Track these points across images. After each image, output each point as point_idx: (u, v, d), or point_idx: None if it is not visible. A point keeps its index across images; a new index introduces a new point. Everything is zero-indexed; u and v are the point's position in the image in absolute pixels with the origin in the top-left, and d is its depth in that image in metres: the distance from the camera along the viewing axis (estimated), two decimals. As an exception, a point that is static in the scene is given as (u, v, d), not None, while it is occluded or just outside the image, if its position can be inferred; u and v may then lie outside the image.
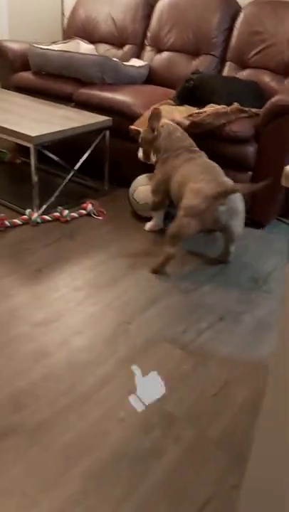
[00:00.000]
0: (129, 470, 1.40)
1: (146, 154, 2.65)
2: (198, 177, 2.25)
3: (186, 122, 2.65)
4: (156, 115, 2.56)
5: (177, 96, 2.88)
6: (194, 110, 2.75)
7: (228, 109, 2.63)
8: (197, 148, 2.51)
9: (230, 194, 2.15)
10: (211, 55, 3.23)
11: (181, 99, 2.86)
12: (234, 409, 1.61)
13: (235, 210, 2.21)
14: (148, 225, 2.69)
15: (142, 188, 2.72)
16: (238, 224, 2.25)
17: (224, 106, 2.65)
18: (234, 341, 1.92)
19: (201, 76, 2.85)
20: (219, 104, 2.69)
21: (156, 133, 2.56)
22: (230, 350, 1.87)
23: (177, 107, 2.84)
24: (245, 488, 1.10)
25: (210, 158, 2.67)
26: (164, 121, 2.58)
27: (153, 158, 2.62)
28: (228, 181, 2.24)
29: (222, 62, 3.21)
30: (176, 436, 1.51)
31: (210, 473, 1.41)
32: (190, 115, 2.67)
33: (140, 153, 2.71)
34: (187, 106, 2.81)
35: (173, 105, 2.87)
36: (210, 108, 2.67)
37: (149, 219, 2.72)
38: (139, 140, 2.67)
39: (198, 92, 2.80)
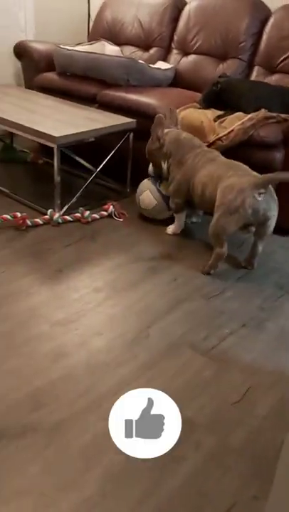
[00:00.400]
0: (148, 474, 1.37)
1: (157, 165, 2.65)
2: (226, 174, 2.25)
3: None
4: (158, 123, 2.58)
5: (203, 99, 2.86)
6: (220, 113, 2.72)
7: (255, 119, 2.60)
8: (209, 148, 2.54)
9: (265, 184, 2.13)
10: (238, 59, 3.20)
11: (207, 103, 2.83)
12: (257, 418, 1.58)
13: (272, 199, 2.19)
14: (170, 229, 2.67)
15: (145, 193, 2.72)
16: (275, 214, 2.22)
17: (251, 116, 2.61)
18: (257, 348, 1.88)
19: (228, 80, 2.82)
20: (246, 109, 2.65)
21: (161, 141, 2.57)
22: (253, 357, 1.83)
23: (203, 110, 2.81)
24: (270, 501, 1.06)
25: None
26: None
27: (164, 166, 2.60)
28: (258, 175, 2.23)
29: (250, 66, 3.18)
30: (197, 443, 1.47)
31: (231, 483, 1.37)
32: (219, 139, 2.63)
33: (150, 168, 2.72)
34: (213, 109, 2.79)
35: (198, 108, 2.85)
36: (236, 124, 2.62)
37: (166, 221, 2.70)
38: (146, 156, 2.67)
39: (225, 95, 2.77)
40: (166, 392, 1.64)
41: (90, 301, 2.08)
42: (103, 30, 3.83)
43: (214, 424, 1.54)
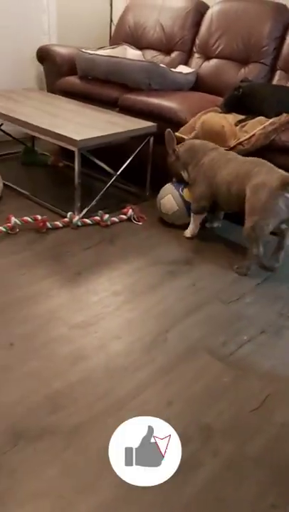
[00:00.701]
0: (166, 480, 1.36)
1: (178, 176, 2.71)
2: (253, 171, 2.29)
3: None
4: (170, 137, 2.66)
5: (225, 104, 2.85)
6: (241, 117, 2.71)
7: (277, 123, 2.59)
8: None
9: None
10: (260, 63, 3.19)
11: (229, 107, 2.83)
12: (275, 426, 1.56)
13: None
14: (189, 232, 2.67)
15: (166, 198, 2.73)
16: None
17: (272, 121, 2.60)
18: (276, 355, 1.87)
19: (250, 84, 2.81)
20: (268, 114, 2.64)
21: (176, 152, 2.64)
22: (272, 365, 1.82)
23: (224, 114, 2.81)
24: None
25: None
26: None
27: (185, 175, 2.65)
28: (282, 171, 2.26)
29: (272, 70, 3.16)
30: (215, 450, 1.46)
31: (248, 490, 1.36)
32: (240, 143, 2.62)
33: (174, 179, 2.76)
34: (235, 114, 2.78)
35: (220, 112, 2.84)
36: (258, 129, 2.60)
37: (185, 226, 2.69)
38: (169, 170, 2.73)
39: (247, 100, 2.76)
40: (183, 397, 1.64)
41: (109, 305, 2.09)
42: (125, 34, 3.85)
43: (232, 430, 1.53)
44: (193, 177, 2.56)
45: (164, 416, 1.56)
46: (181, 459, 1.42)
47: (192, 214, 2.64)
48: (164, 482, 1.36)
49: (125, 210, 2.84)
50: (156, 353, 1.83)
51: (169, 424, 1.53)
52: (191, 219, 2.66)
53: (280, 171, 2.26)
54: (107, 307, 2.07)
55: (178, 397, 1.64)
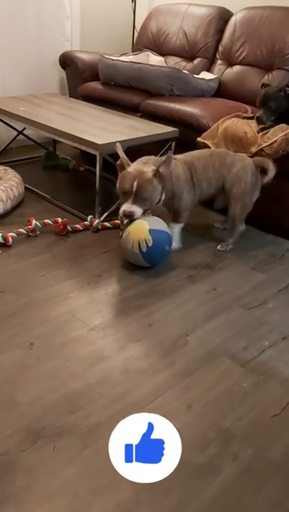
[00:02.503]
0: (183, 483, 1.34)
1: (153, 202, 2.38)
2: (226, 161, 2.52)
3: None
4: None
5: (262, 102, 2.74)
6: (264, 124, 2.69)
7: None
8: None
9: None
10: (284, 69, 3.16)
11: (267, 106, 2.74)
12: (296, 432, 1.53)
13: None
14: (175, 246, 2.54)
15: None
16: None
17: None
18: (297, 362, 1.84)
19: None
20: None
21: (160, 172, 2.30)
22: (293, 371, 1.79)
23: (247, 120, 2.79)
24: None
25: (277, 174, 2.62)
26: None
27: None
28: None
29: (297, 77, 3.14)
30: (234, 455, 1.44)
31: (268, 497, 1.33)
32: (261, 149, 2.60)
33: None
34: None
35: (242, 118, 2.83)
36: (280, 135, 2.58)
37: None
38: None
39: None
40: (203, 401, 1.62)
41: (128, 307, 2.08)
42: (148, 40, 3.87)
43: (252, 436, 1.50)
44: (174, 192, 2.43)
45: (184, 419, 1.54)
46: (199, 462, 1.40)
47: (177, 226, 2.54)
48: (183, 485, 1.33)
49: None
50: (176, 357, 1.81)
51: (187, 427, 1.51)
52: (177, 234, 2.55)
53: (245, 155, 2.58)
54: (127, 310, 2.06)
55: (197, 401, 1.61)
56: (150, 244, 2.25)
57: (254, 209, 2.75)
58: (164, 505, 1.29)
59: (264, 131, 2.67)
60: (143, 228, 2.28)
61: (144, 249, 2.26)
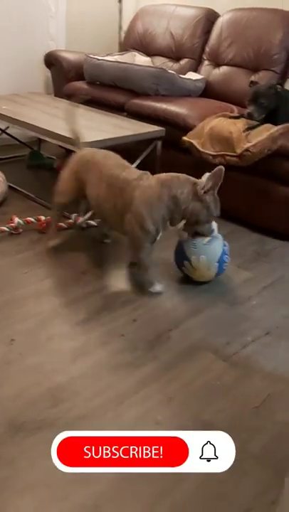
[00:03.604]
0: (164, 476, 1.34)
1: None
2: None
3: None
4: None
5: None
6: (250, 124, 2.71)
7: (283, 129, 2.58)
8: None
9: None
10: (271, 70, 3.19)
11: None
12: (277, 425, 1.54)
13: None
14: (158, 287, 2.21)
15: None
16: None
17: (279, 127, 2.60)
18: (280, 357, 1.84)
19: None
20: (278, 122, 2.63)
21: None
22: (275, 365, 1.79)
23: (234, 120, 2.80)
24: (282, 504, 1.04)
25: (262, 173, 2.65)
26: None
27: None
28: None
29: (283, 78, 3.15)
30: (216, 447, 1.44)
31: (249, 488, 1.34)
32: (247, 150, 2.62)
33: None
34: (243, 118, 2.78)
35: (229, 118, 2.85)
36: (264, 135, 2.60)
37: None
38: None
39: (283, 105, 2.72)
40: (184, 394, 1.62)
41: (113, 303, 2.07)
42: (134, 41, 3.88)
43: (233, 428, 1.50)
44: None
45: (165, 411, 1.54)
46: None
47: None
48: (164, 477, 1.33)
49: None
50: (159, 351, 1.81)
51: (168, 419, 1.51)
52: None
53: None
54: (112, 305, 2.06)
55: (179, 394, 1.62)
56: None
57: (241, 208, 2.78)
58: (144, 494, 1.29)
59: (248, 132, 2.68)
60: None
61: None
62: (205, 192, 2.05)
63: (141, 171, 2.18)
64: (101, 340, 1.84)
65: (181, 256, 2.21)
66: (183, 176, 2.11)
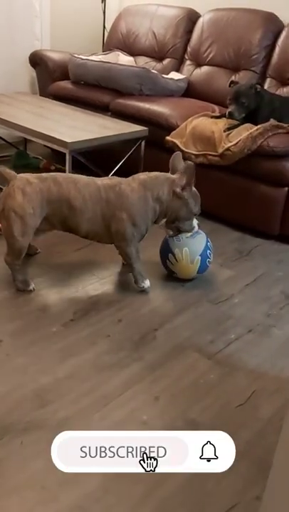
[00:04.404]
0: (150, 473, 1.37)
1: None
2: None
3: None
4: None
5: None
6: (231, 124, 2.74)
7: (262, 127, 2.62)
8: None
9: None
10: (251, 70, 3.23)
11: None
12: (260, 422, 1.58)
13: None
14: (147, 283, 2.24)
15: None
16: None
17: (259, 126, 2.63)
18: (263, 354, 1.88)
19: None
20: (258, 121, 2.67)
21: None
22: (258, 362, 1.83)
23: (215, 120, 2.83)
24: (265, 499, 1.07)
25: (244, 172, 2.68)
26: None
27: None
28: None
29: (262, 78, 3.19)
30: (200, 444, 1.47)
31: (233, 483, 1.37)
32: (227, 149, 2.64)
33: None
34: (224, 118, 2.81)
35: (211, 117, 2.88)
36: (244, 134, 2.63)
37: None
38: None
39: (263, 105, 2.76)
40: (170, 393, 1.65)
41: (99, 304, 2.10)
42: (117, 41, 3.89)
43: (218, 425, 1.53)
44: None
45: (151, 411, 1.57)
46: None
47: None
48: (149, 475, 1.36)
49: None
50: (145, 351, 1.84)
51: (155, 418, 1.54)
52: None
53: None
54: (97, 306, 2.08)
55: (165, 393, 1.65)
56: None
57: (222, 207, 2.81)
58: (131, 494, 1.31)
59: (228, 132, 2.71)
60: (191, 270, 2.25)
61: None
62: (182, 189, 2.09)
63: (109, 177, 2.22)
64: (87, 341, 1.86)
65: (165, 250, 2.26)
66: (161, 175, 2.16)
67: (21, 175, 2.13)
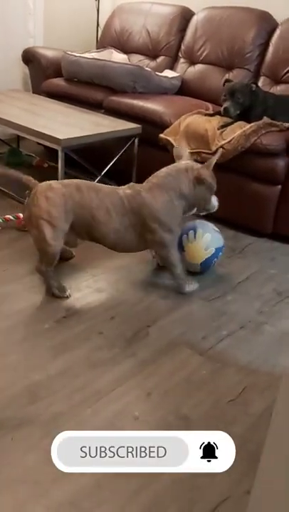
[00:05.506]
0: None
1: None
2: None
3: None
4: None
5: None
6: (225, 121, 2.74)
7: (255, 125, 2.62)
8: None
9: None
10: (245, 69, 3.23)
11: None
12: (252, 417, 1.59)
13: None
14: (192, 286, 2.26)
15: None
16: None
17: (252, 124, 2.64)
18: (254, 350, 1.89)
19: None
20: (251, 119, 2.68)
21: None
22: (250, 359, 1.84)
23: (209, 117, 2.84)
24: (254, 493, 1.08)
25: (237, 170, 2.69)
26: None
27: None
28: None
29: (256, 76, 3.20)
30: (192, 439, 1.48)
31: (224, 478, 1.37)
32: (221, 147, 2.65)
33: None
34: (218, 116, 2.82)
35: (204, 115, 2.88)
36: (238, 132, 2.64)
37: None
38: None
39: (257, 103, 2.76)
40: (162, 389, 1.65)
41: (92, 301, 2.10)
42: (111, 38, 3.89)
43: (209, 420, 1.55)
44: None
45: (144, 406, 1.57)
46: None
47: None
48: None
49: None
50: (137, 348, 1.85)
51: (147, 414, 1.55)
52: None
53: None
54: (90, 303, 2.08)
55: (157, 389, 1.65)
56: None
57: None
58: (124, 489, 1.32)
59: (222, 130, 2.72)
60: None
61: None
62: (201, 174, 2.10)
63: (127, 185, 2.16)
64: (80, 338, 1.87)
65: (190, 226, 2.30)
66: (171, 169, 2.14)
67: (44, 182, 2.10)
